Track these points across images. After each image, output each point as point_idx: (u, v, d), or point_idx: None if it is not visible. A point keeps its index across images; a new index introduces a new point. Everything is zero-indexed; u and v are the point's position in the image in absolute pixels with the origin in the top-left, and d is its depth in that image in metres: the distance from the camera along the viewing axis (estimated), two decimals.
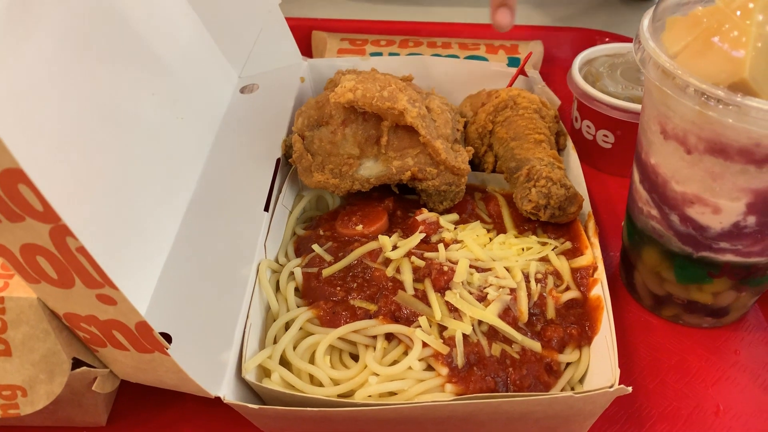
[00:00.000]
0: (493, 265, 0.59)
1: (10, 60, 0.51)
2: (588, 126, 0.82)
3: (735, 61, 0.49)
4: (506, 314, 0.56)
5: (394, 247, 0.61)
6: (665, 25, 0.55)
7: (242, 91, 0.83)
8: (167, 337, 0.53)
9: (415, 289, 0.58)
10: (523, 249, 0.63)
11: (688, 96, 0.51)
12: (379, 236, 0.62)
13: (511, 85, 0.80)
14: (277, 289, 0.61)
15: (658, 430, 0.57)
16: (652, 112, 0.57)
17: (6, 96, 0.50)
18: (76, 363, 0.50)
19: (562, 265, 0.62)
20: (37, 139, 0.52)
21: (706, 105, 0.50)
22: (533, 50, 0.94)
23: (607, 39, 0.99)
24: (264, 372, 0.56)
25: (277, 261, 0.64)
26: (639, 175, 0.61)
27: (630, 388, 0.49)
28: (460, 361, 0.53)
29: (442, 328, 0.55)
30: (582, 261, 0.62)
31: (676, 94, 0.52)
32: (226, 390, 0.50)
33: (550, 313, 0.58)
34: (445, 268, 0.58)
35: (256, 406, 0.49)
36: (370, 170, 0.67)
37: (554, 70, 0.98)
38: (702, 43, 0.51)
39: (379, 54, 0.94)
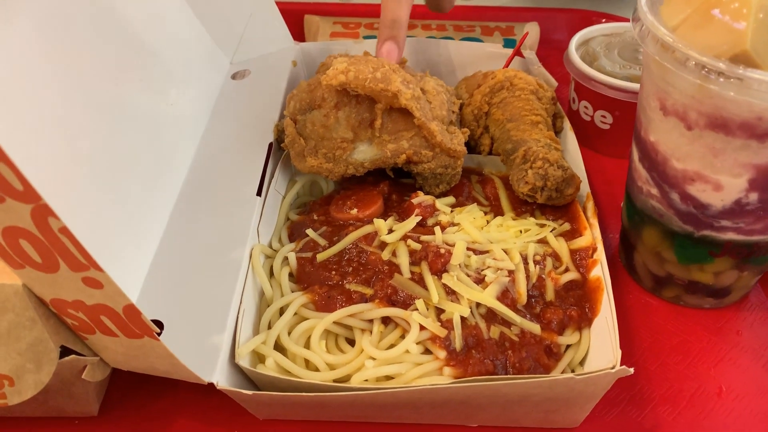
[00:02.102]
0: (491, 248, 0.58)
1: None
2: (585, 107, 0.80)
3: (736, 33, 0.48)
4: (504, 296, 0.55)
5: (390, 231, 0.60)
6: None
7: (233, 77, 0.81)
8: (159, 324, 0.52)
9: (412, 273, 0.56)
10: (521, 231, 0.62)
11: (688, 70, 0.49)
12: (375, 220, 0.61)
13: (507, 66, 0.78)
14: (271, 274, 0.60)
15: (660, 412, 0.56)
16: (651, 88, 0.55)
17: None
18: (65, 351, 0.49)
19: (561, 246, 0.60)
20: (18, 124, 0.51)
21: (707, 78, 0.48)
22: (529, 32, 0.93)
23: (603, 20, 0.97)
24: (258, 358, 0.55)
25: (270, 246, 0.63)
26: (638, 154, 0.60)
27: (632, 369, 0.48)
28: (458, 344, 0.52)
29: (439, 311, 0.54)
30: (581, 242, 0.61)
31: (676, 68, 0.50)
32: (219, 376, 0.49)
33: (549, 295, 0.57)
34: (442, 251, 0.57)
35: (249, 392, 0.48)
36: (365, 154, 0.66)
37: (551, 52, 0.96)
38: (702, 16, 0.50)
39: (373, 37, 0.92)
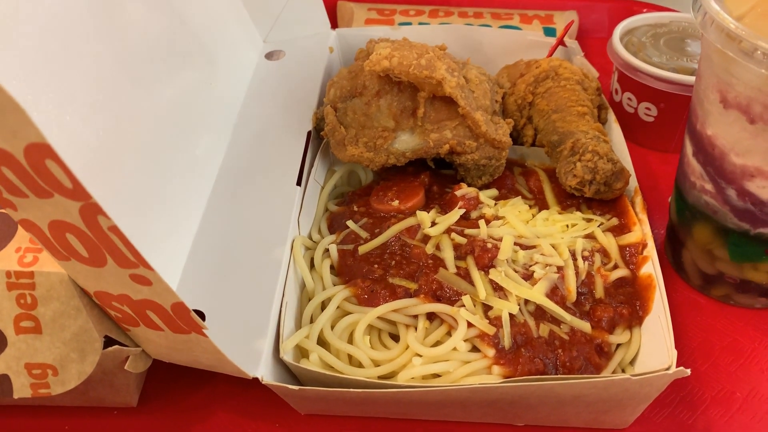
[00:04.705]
0: (538, 242, 0.57)
1: (36, 16, 0.48)
2: (629, 98, 0.78)
3: None
4: (553, 293, 0.54)
5: (433, 224, 0.58)
6: None
7: (268, 56, 0.79)
8: (200, 315, 0.51)
9: (457, 267, 0.55)
10: (567, 225, 0.60)
11: (755, 60, 0.47)
12: (417, 212, 0.59)
13: (551, 55, 0.76)
14: (311, 266, 0.59)
15: (712, 414, 0.55)
16: (711, 79, 0.53)
17: (35, 54, 0.47)
18: (108, 341, 0.48)
19: (610, 242, 0.59)
20: (67, 104, 0.49)
21: None
22: (568, 20, 0.91)
23: (645, 9, 0.94)
24: (301, 352, 0.53)
25: (310, 237, 0.62)
26: (692, 148, 0.58)
27: (689, 371, 0.46)
28: (507, 342, 0.51)
29: (486, 308, 0.53)
30: (630, 238, 0.59)
31: (742, 58, 0.48)
32: (263, 370, 0.48)
33: (599, 292, 0.55)
34: (489, 245, 0.55)
35: (296, 387, 0.47)
36: (406, 143, 0.64)
37: (589, 42, 0.94)
38: None
39: (409, 24, 0.90)
